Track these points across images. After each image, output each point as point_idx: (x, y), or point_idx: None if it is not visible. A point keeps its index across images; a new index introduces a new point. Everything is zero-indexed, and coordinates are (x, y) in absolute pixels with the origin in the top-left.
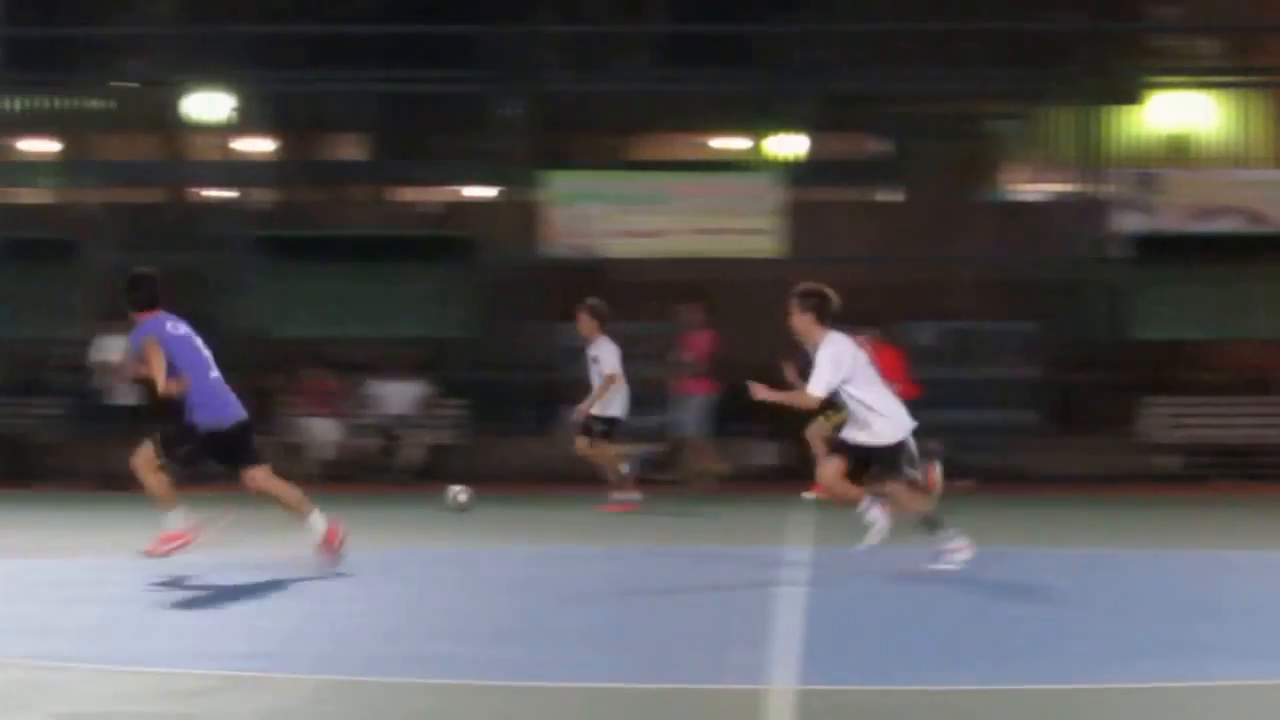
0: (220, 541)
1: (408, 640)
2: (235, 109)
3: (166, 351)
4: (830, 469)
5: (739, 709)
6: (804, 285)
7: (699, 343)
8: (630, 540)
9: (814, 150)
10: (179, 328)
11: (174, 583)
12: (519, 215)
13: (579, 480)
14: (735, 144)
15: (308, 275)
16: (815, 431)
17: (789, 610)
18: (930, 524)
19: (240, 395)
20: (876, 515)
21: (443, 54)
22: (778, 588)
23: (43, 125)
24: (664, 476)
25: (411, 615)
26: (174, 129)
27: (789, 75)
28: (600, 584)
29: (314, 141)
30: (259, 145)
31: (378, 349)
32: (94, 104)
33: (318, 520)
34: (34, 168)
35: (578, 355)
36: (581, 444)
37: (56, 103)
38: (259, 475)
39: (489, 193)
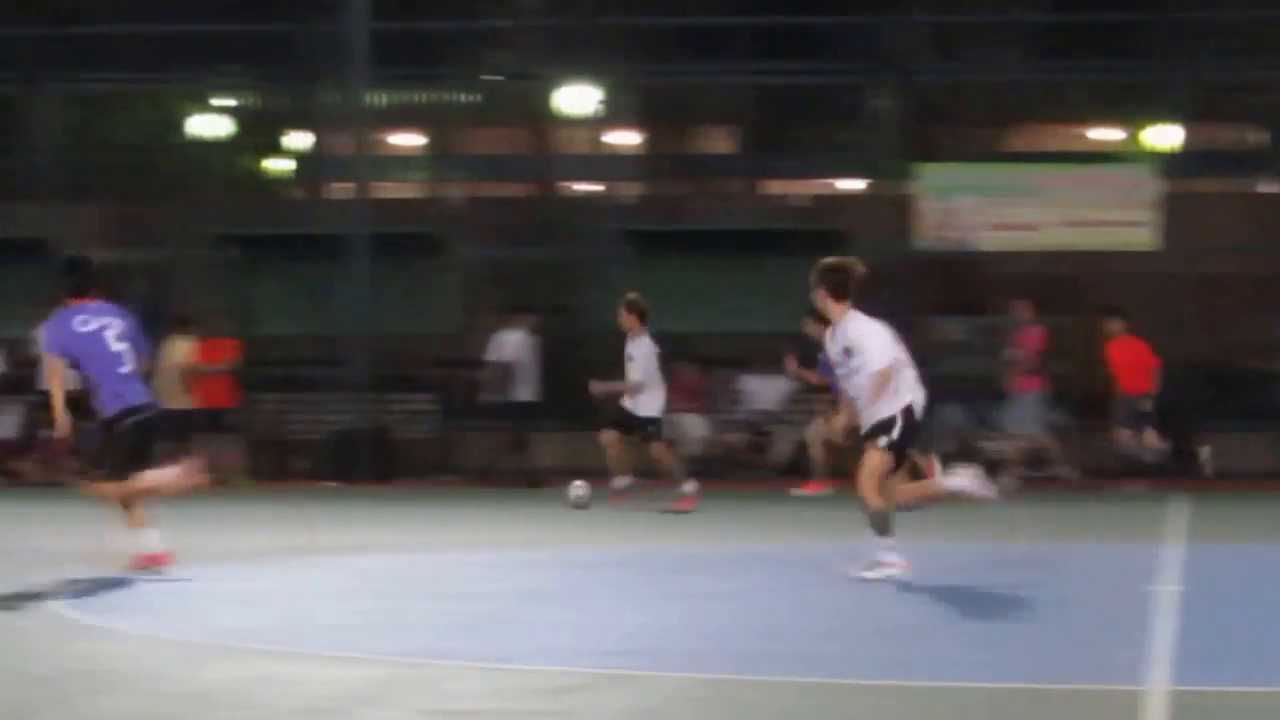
0: (590, 538)
1: (779, 638)
2: (603, 102)
3: (67, 351)
4: (868, 467)
5: (1114, 709)
6: (826, 260)
7: (1030, 338)
8: (1002, 537)
9: (1190, 140)
10: (90, 323)
11: (542, 580)
12: (889, 208)
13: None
14: (1110, 134)
15: (675, 269)
16: (815, 434)
17: (1165, 608)
18: (881, 523)
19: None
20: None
21: (813, 45)
22: (1153, 585)
23: (410, 119)
24: (1039, 473)
25: (783, 612)
26: (541, 122)
27: (1164, 64)
28: (974, 581)
29: (682, 134)
30: (626, 138)
31: (746, 343)
32: (461, 98)
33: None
34: (402, 162)
35: (955, 350)
36: (609, 437)
37: (424, 97)
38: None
39: (858, 185)
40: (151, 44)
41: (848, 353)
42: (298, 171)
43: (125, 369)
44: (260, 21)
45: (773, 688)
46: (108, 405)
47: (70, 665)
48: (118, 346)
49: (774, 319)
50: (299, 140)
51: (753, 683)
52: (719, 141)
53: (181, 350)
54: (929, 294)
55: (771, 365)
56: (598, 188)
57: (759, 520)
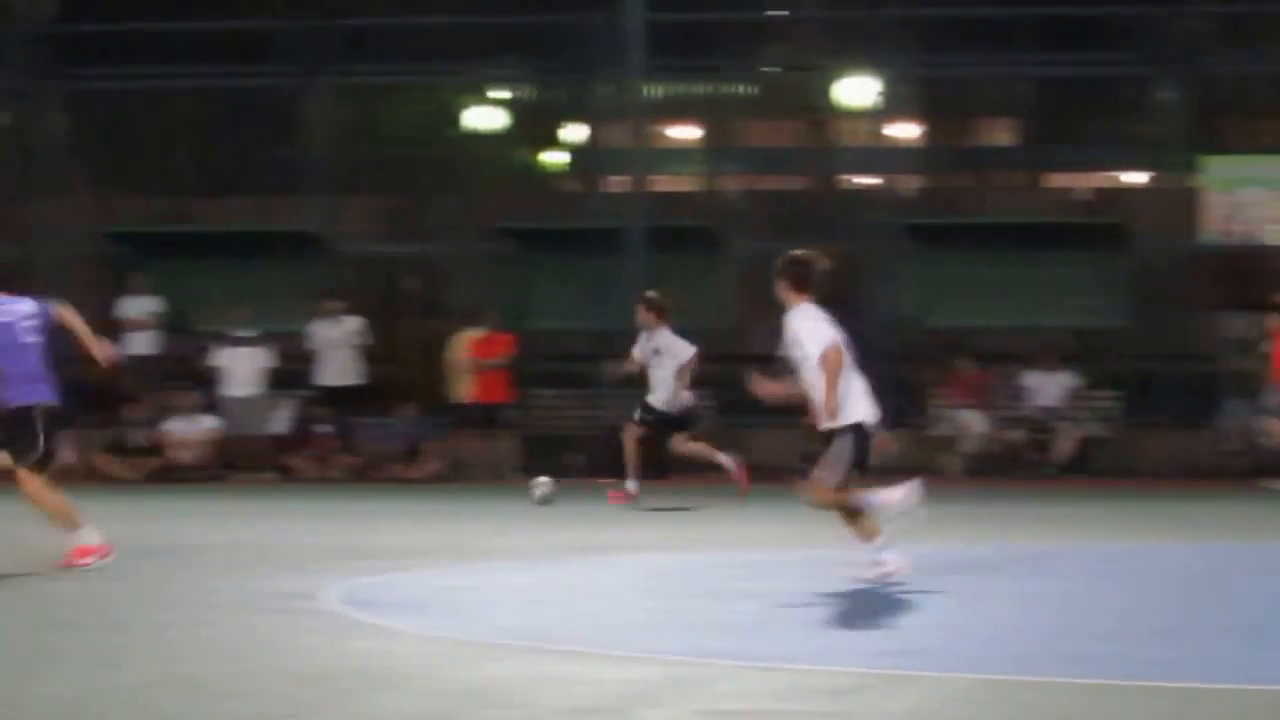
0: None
1: (1063, 639)
2: (882, 94)
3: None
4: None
5: None
6: (791, 252)
7: None
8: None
9: None
10: (15, 308)
11: (820, 579)
12: (1175, 201)
13: (1231, 475)
14: None
15: (957, 263)
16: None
17: None
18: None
19: (888, 384)
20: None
21: (1096, 36)
22: None
23: (687, 112)
24: None
25: (1067, 613)
26: (819, 115)
27: None
28: (1258, 581)
29: (962, 126)
30: (906, 130)
31: (1026, 339)
32: (739, 90)
33: None
34: (678, 155)
35: (1241, 346)
36: (677, 440)
37: (701, 89)
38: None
39: (1142, 178)
40: (426, 36)
41: (795, 345)
42: (573, 165)
43: (34, 365)
44: (536, 13)
45: (1052, 688)
46: (21, 394)
47: (345, 663)
48: (28, 340)
49: (1055, 314)
50: (575, 133)
51: (1033, 684)
52: (1000, 134)
53: (463, 343)
54: (1214, 289)
55: (1054, 362)
56: (876, 181)
57: (1040, 519)
